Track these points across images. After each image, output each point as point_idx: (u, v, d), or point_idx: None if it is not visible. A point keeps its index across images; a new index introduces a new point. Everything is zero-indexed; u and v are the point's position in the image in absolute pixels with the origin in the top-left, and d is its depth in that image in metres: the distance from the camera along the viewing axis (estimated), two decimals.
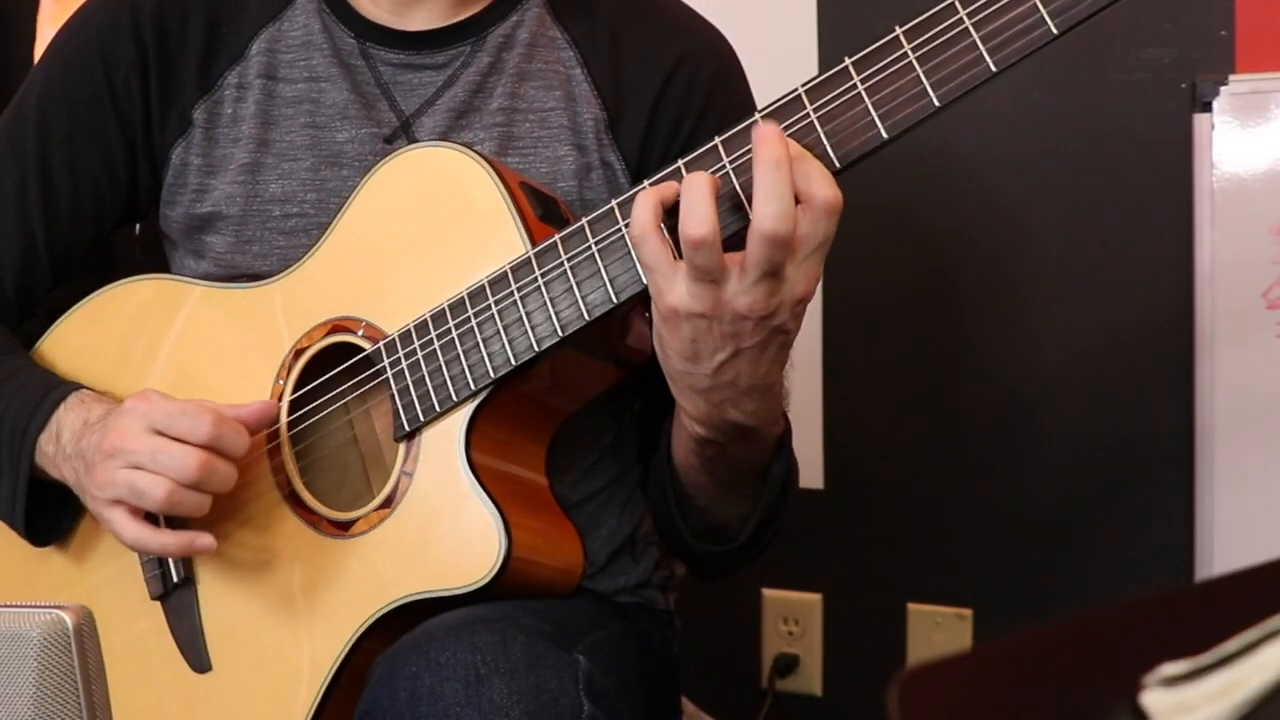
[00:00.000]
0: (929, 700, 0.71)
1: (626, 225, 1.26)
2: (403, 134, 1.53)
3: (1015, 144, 2.26)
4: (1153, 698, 0.67)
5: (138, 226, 1.74)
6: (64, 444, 1.44)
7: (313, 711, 1.36)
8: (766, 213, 1.14)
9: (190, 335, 1.51)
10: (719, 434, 1.31)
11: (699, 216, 1.16)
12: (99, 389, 1.51)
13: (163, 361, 1.51)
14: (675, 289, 1.19)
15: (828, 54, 2.34)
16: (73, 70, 1.58)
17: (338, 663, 1.34)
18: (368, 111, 1.53)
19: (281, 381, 1.44)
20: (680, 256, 1.18)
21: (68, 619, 1.12)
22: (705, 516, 1.45)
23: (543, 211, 1.36)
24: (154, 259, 1.66)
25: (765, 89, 1.56)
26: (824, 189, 1.16)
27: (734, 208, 1.20)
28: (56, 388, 1.48)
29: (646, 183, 1.25)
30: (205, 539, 1.36)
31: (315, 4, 1.57)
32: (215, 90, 1.56)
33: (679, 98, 1.54)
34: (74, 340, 1.58)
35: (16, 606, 1.14)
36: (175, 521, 1.39)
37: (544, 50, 1.55)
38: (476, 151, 1.38)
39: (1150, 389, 2.20)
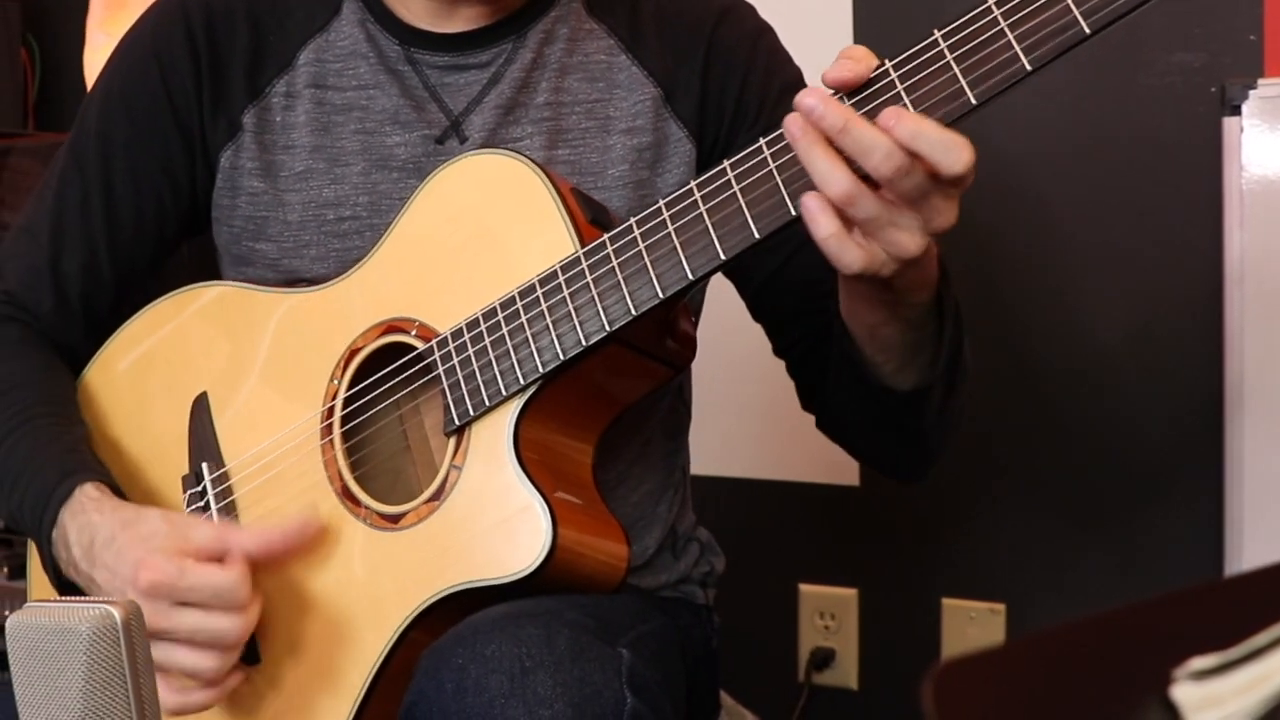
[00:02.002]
0: (963, 694, 0.71)
1: (673, 224, 1.29)
2: (453, 133, 1.54)
3: (1050, 147, 2.27)
4: (1183, 691, 0.68)
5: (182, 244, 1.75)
6: (74, 556, 1.40)
7: (359, 701, 1.36)
8: (823, 185, 1.17)
9: (246, 338, 1.52)
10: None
11: (835, 179, 1.17)
12: (157, 395, 1.51)
13: (220, 365, 1.53)
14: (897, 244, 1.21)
15: None
16: (132, 79, 1.60)
17: (385, 653, 1.35)
18: (418, 114, 1.55)
19: (336, 381, 1.45)
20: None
21: (116, 614, 1.10)
22: (902, 379, 1.39)
23: (592, 215, 1.37)
24: (202, 269, 1.68)
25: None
26: (950, 161, 1.16)
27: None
28: (63, 482, 1.43)
29: (694, 183, 1.28)
30: (236, 677, 1.37)
31: (360, 15, 1.58)
32: (263, 98, 1.57)
33: (725, 53, 1.56)
34: (134, 348, 1.59)
35: (66, 601, 1.12)
36: None
37: (584, 43, 1.57)
38: (528, 157, 1.39)
39: (1180, 387, 2.21)
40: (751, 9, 1.63)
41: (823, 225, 1.18)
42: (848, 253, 1.19)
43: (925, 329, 1.36)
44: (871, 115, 1.20)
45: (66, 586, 1.44)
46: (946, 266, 1.35)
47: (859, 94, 1.22)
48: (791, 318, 1.56)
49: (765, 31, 1.61)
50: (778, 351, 1.62)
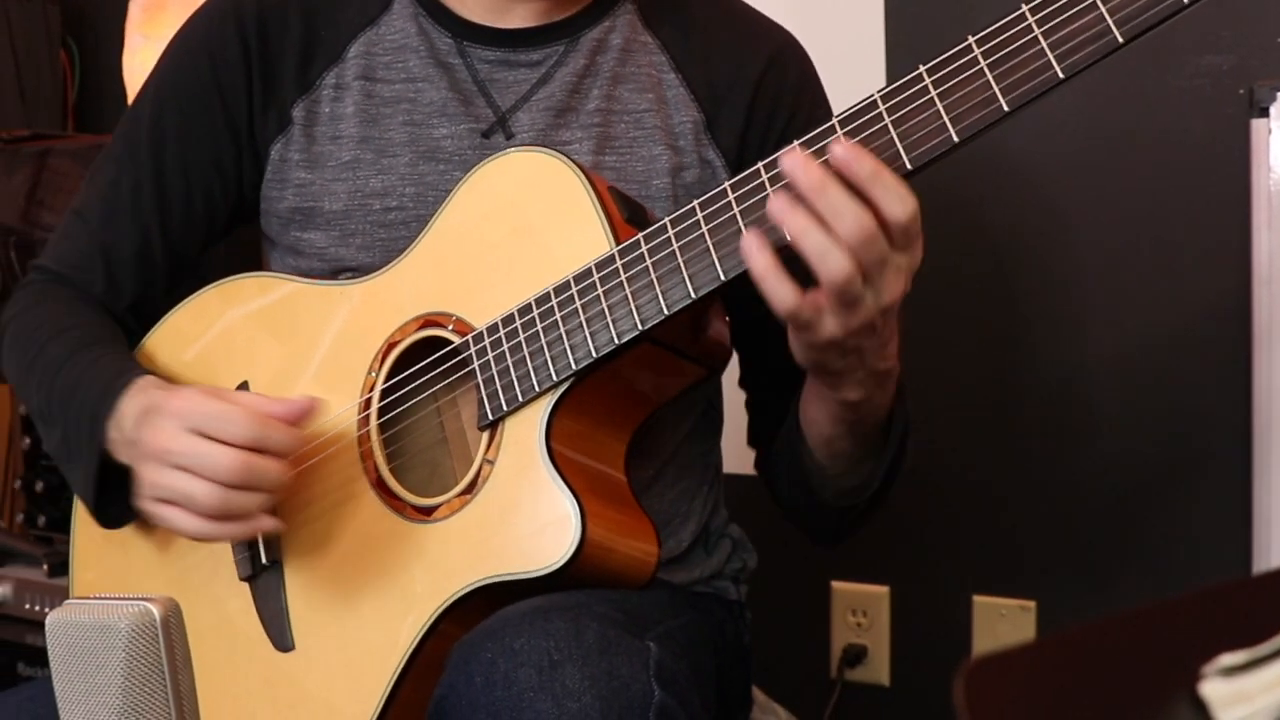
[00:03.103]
0: (994, 690, 0.72)
1: (707, 225, 1.30)
2: (499, 129, 1.56)
3: (1076, 149, 2.27)
4: (1211, 687, 0.69)
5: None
6: (125, 431, 1.45)
7: (389, 690, 1.37)
8: (822, 270, 1.20)
9: (287, 330, 1.54)
10: (872, 389, 1.34)
11: (780, 295, 1.22)
12: (201, 385, 1.52)
13: (261, 355, 1.54)
14: (827, 323, 1.24)
15: (894, 64, 2.36)
16: (183, 72, 1.63)
17: (415, 643, 1.36)
18: (465, 108, 1.57)
19: (373, 374, 1.46)
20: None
21: (155, 611, 1.13)
22: (843, 481, 1.48)
23: (629, 214, 1.38)
24: (243, 260, 1.69)
25: (834, 97, 1.60)
26: (899, 207, 1.20)
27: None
28: (123, 374, 1.49)
29: (727, 184, 1.30)
30: (269, 522, 1.38)
31: (412, 9, 1.61)
32: (313, 90, 1.60)
33: (771, 96, 1.58)
34: (177, 338, 1.61)
35: (106, 599, 1.15)
36: None
37: (637, 55, 1.59)
38: (567, 155, 1.40)
39: (1208, 386, 2.21)
40: (798, 52, 1.65)
41: (758, 261, 1.22)
42: (781, 289, 1.22)
43: (875, 444, 1.44)
44: (905, 119, 1.22)
45: (107, 479, 1.49)
46: (905, 388, 1.42)
47: (893, 98, 1.23)
48: (763, 363, 1.60)
49: (810, 79, 1.64)
50: (742, 382, 1.67)
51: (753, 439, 1.67)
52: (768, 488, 1.64)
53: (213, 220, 1.66)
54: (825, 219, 1.19)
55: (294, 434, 1.38)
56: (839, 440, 1.42)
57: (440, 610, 1.36)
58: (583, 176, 1.38)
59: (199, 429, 1.36)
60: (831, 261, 1.19)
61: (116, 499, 1.52)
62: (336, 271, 1.56)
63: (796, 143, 1.27)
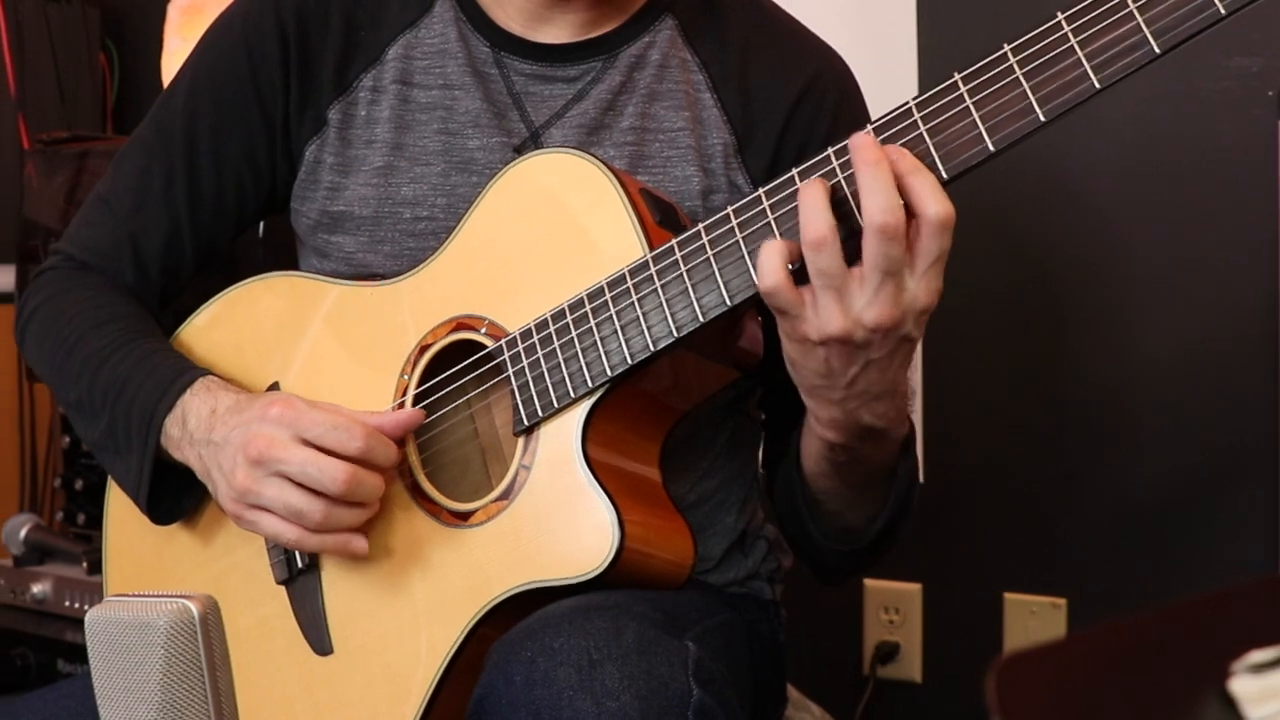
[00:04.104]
0: (1025, 686, 0.72)
1: (742, 232, 1.29)
2: (531, 144, 1.55)
3: (1106, 152, 2.28)
4: (1240, 684, 0.69)
5: (261, 227, 1.77)
6: (190, 429, 1.45)
7: (429, 694, 1.38)
8: (873, 206, 1.18)
9: (320, 331, 1.54)
10: (851, 438, 1.34)
11: (815, 219, 1.21)
12: (232, 380, 1.53)
13: (293, 355, 1.54)
14: (807, 321, 1.23)
15: (926, 72, 2.36)
16: (220, 66, 1.62)
17: (454, 647, 1.36)
18: (499, 121, 1.56)
19: (406, 376, 1.46)
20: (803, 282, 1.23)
21: (194, 609, 1.12)
22: (836, 521, 1.47)
23: (661, 217, 1.37)
24: (276, 258, 1.69)
25: (867, 101, 1.59)
26: (935, 204, 1.19)
27: (847, 214, 1.24)
28: (185, 372, 1.49)
29: (761, 190, 1.29)
30: (360, 542, 1.38)
31: (453, 13, 1.59)
32: (350, 91, 1.59)
33: (805, 123, 1.56)
34: (209, 335, 1.61)
35: (144, 596, 1.14)
36: None
37: (675, 71, 1.57)
38: (598, 158, 1.39)
39: (1240, 386, 2.21)
40: (838, 76, 1.62)
41: (769, 277, 1.23)
42: (780, 294, 1.23)
43: (870, 491, 1.44)
44: (940, 128, 1.22)
45: (160, 476, 1.50)
46: (912, 445, 1.43)
47: (928, 106, 1.23)
48: (775, 385, 1.55)
49: (849, 103, 1.60)
50: (759, 404, 1.66)
51: (765, 462, 1.66)
52: (777, 517, 1.61)
53: (243, 213, 1.66)
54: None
55: (395, 450, 1.39)
56: (824, 478, 1.42)
57: (478, 616, 1.36)
58: (614, 178, 1.38)
59: (310, 439, 1.36)
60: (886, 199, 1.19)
61: (167, 495, 1.53)
62: (362, 278, 1.55)
63: (830, 150, 1.27)
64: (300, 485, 1.36)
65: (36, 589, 2.53)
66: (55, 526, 2.69)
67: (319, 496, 1.35)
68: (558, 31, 1.57)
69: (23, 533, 2.58)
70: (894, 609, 2.53)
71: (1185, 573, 2.26)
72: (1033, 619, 2.40)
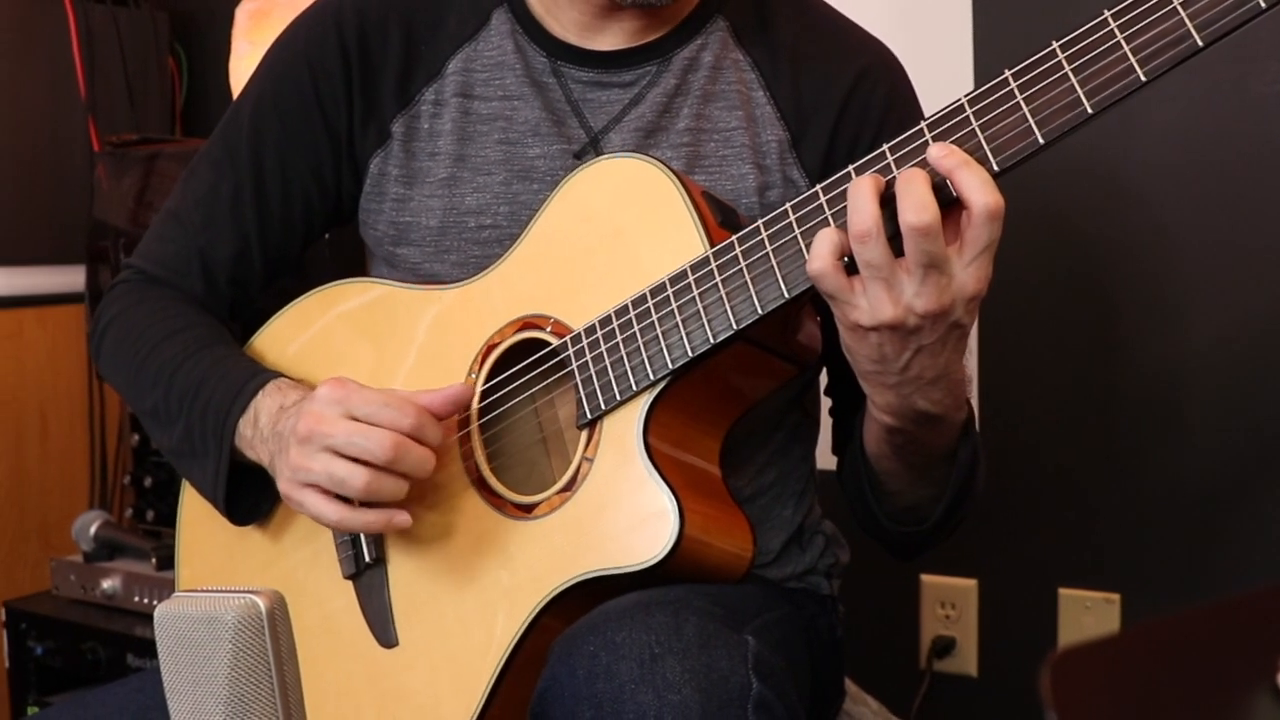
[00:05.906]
0: (1079, 680, 0.74)
1: (800, 228, 1.32)
2: (591, 150, 1.57)
3: (1161, 152, 2.28)
4: None
5: (327, 235, 1.79)
6: (261, 427, 1.48)
7: (492, 684, 1.39)
8: (905, 206, 1.22)
9: (386, 333, 1.56)
10: (908, 422, 1.36)
11: (861, 213, 1.24)
12: (305, 383, 1.54)
13: (363, 359, 1.56)
14: (858, 308, 1.26)
15: (982, 68, 2.37)
16: (284, 82, 1.64)
17: (518, 638, 1.38)
18: (558, 128, 1.58)
19: (473, 375, 1.48)
20: (855, 272, 1.26)
21: (261, 603, 1.15)
22: (898, 500, 1.50)
23: (722, 218, 1.40)
24: (345, 266, 1.71)
25: (923, 101, 1.60)
26: (985, 195, 1.22)
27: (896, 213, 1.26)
28: (257, 375, 1.52)
29: (819, 186, 1.32)
30: (402, 516, 1.39)
31: (509, 25, 1.61)
32: (413, 105, 1.61)
33: (858, 115, 1.58)
34: (279, 341, 1.63)
35: (212, 592, 1.17)
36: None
37: (727, 72, 1.58)
38: (661, 160, 1.42)
39: None
40: (888, 69, 1.63)
41: (817, 261, 1.27)
42: (827, 279, 1.27)
43: (930, 474, 1.46)
44: (991, 123, 1.25)
45: (237, 477, 1.53)
46: (973, 429, 1.45)
47: (979, 102, 1.26)
48: (842, 371, 1.57)
49: (900, 95, 1.62)
50: (826, 390, 1.69)
51: (834, 447, 1.68)
52: (847, 498, 1.63)
53: (310, 226, 1.68)
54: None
55: (442, 428, 1.42)
56: (885, 460, 1.45)
57: (541, 605, 1.38)
58: (677, 181, 1.40)
59: (357, 414, 1.38)
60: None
61: (245, 496, 1.55)
62: (430, 285, 1.58)
63: (886, 146, 1.29)
64: (347, 456, 1.38)
65: (106, 585, 2.55)
66: (125, 523, 2.71)
67: (364, 465, 1.37)
68: (612, 39, 1.59)
69: (93, 529, 2.60)
70: (950, 604, 2.53)
71: (1239, 568, 2.26)
72: (1087, 614, 2.40)
